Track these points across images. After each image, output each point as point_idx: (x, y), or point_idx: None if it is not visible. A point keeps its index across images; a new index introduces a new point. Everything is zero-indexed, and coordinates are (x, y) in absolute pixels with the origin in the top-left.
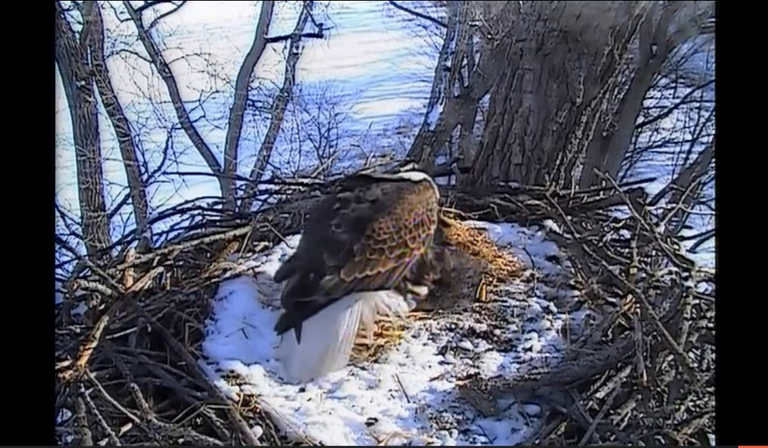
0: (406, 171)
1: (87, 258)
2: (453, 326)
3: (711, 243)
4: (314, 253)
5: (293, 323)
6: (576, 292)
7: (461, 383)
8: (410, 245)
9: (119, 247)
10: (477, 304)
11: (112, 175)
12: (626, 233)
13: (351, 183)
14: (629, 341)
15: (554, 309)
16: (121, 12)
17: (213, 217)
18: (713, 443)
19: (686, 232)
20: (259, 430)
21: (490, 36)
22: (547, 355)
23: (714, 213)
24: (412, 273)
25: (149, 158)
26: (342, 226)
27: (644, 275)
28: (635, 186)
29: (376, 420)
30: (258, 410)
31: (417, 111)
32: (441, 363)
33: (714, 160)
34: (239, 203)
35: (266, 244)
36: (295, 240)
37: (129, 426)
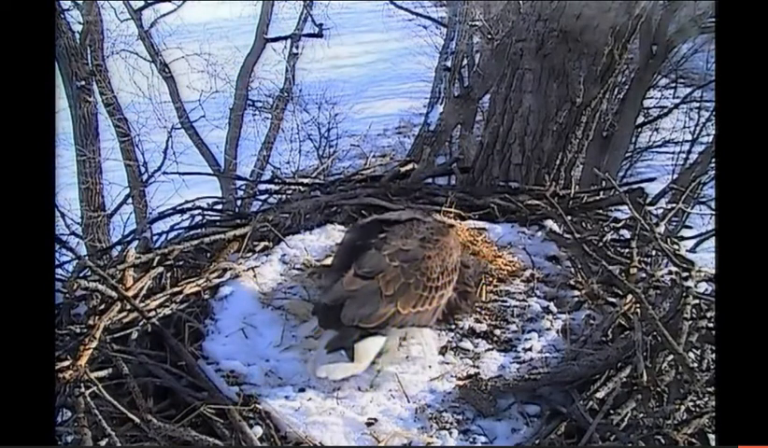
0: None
1: (87, 258)
2: (453, 326)
3: (711, 243)
4: (368, 281)
5: (347, 344)
6: (576, 292)
7: (461, 383)
8: (448, 288)
9: (119, 247)
10: (477, 304)
11: (112, 175)
12: (626, 233)
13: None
14: (629, 341)
15: (554, 309)
16: (121, 12)
17: (213, 217)
18: (713, 443)
19: (686, 232)
20: (259, 430)
21: (490, 36)
22: (547, 355)
23: (714, 213)
24: (443, 314)
25: (149, 158)
26: (396, 259)
27: (644, 275)
28: (635, 186)
29: (376, 420)
30: (258, 410)
31: (417, 111)
32: (441, 363)
33: (714, 160)
34: (239, 202)
35: (266, 244)
36: (295, 240)
37: (129, 426)
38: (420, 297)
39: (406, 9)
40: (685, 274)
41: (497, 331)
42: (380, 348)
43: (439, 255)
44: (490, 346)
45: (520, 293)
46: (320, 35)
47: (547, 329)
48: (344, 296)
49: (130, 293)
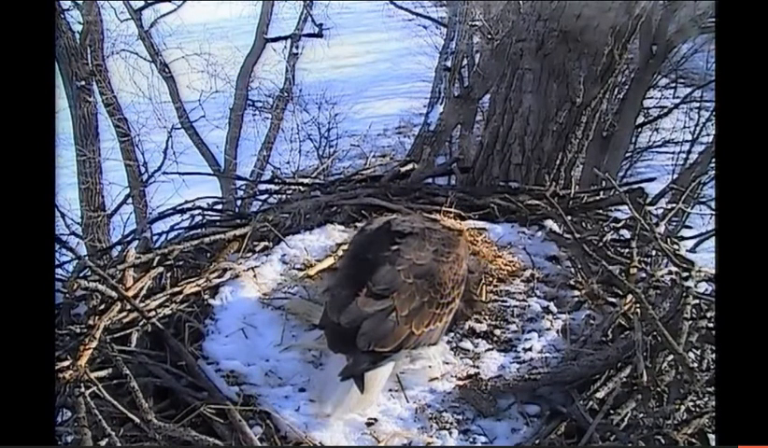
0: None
1: (87, 258)
2: (453, 326)
3: (711, 243)
4: (384, 301)
5: (360, 372)
6: (576, 292)
7: (461, 383)
8: (456, 300)
9: (119, 247)
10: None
11: (112, 175)
12: (626, 233)
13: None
14: (629, 341)
15: (554, 309)
16: (121, 12)
17: (213, 217)
18: (713, 443)
19: (686, 232)
20: (259, 430)
21: (490, 36)
22: (547, 355)
23: (714, 213)
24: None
25: (149, 158)
26: (411, 275)
27: (644, 275)
28: (635, 186)
29: (376, 420)
30: (258, 410)
31: (417, 111)
32: (441, 363)
33: (714, 160)
34: (239, 202)
35: (266, 244)
36: (295, 240)
37: (129, 426)
38: (433, 315)
39: (406, 9)
40: (685, 274)
41: (497, 331)
42: (388, 376)
43: (451, 268)
44: (490, 346)
45: (520, 293)
46: (320, 35)
47: (547, 329)
48: (360, 317)
49: (130, 293)
